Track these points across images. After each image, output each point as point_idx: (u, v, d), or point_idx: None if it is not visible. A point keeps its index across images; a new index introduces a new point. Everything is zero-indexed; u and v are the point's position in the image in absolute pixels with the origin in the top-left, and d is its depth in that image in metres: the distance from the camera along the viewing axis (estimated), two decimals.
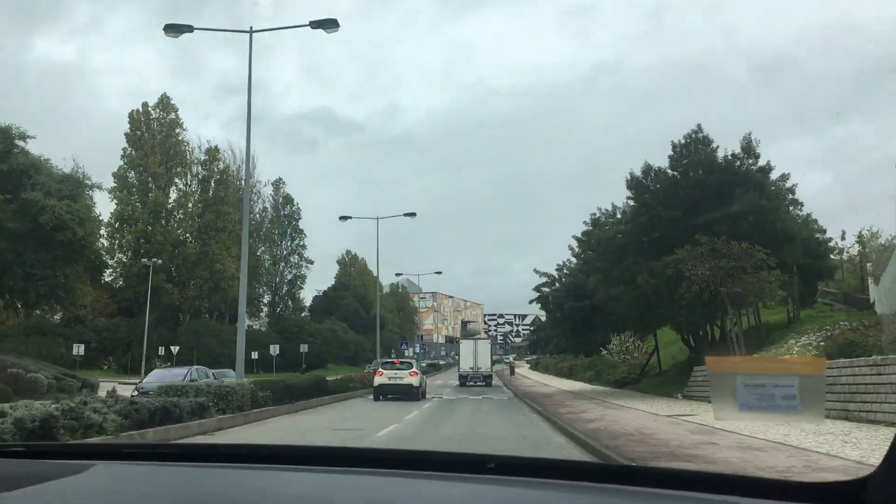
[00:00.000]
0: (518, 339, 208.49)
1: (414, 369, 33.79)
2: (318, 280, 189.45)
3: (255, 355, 58.39)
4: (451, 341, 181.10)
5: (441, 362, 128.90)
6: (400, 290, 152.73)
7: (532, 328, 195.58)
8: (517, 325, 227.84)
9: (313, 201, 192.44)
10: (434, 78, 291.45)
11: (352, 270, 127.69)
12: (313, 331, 75.77)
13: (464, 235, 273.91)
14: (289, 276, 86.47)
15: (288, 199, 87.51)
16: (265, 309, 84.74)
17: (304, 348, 60.93)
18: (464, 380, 49.46)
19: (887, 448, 1.43)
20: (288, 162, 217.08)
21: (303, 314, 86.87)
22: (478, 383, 48.15)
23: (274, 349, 60.72)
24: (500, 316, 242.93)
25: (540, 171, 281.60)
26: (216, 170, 76.33)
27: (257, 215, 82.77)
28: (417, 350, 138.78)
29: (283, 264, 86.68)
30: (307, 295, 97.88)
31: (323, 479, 2.12)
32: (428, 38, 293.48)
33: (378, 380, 33.18)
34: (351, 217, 52.56)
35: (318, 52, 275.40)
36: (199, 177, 75.76)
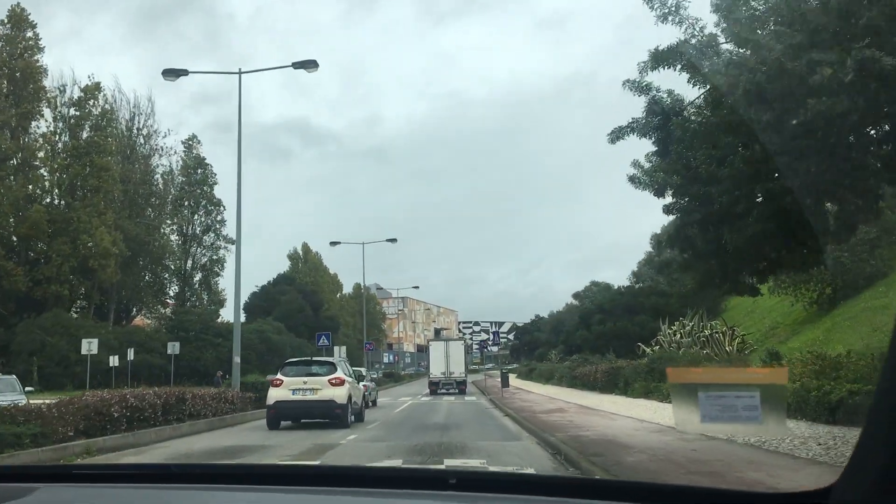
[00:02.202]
0: (495, 349, 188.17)
1: (338, 374, 20.47)
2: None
3: (113, 361, 42.22)
4: (422, 350, 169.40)
5: (406, 371, 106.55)
6: (363, 290, 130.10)
7: (511, 334, 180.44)
8: (494, 332, 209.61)
9: (286, 212, 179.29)
10: (412, 88, 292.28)
11: (303, 266, 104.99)
12: (224, 330, 52.12)
13: (439, 245, 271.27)
14: (203, 260, 62.73)
15: (199, 161, 64.36)
16: (170, 303, 60.88)
17: (173, 348, 37.49)
18: (434, 387, 44.39)
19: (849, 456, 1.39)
20: (261, 172, 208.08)
21: (220, 309, 63.11)
22: (450, 391, 43.28)
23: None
24: (476, 323, 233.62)
25: (516, 182, 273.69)
26: (93, 112, 52.51)
27: (158, 179, 59.24)
28: (390, 359, 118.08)
29: (195, 245, 62.89)
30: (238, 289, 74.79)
31: (278, 498, 2.05)
32: (407, 47, 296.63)
33: (275, 393, 20.11)
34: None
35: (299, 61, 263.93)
36: (69, 119, 52.32)
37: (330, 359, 23.75)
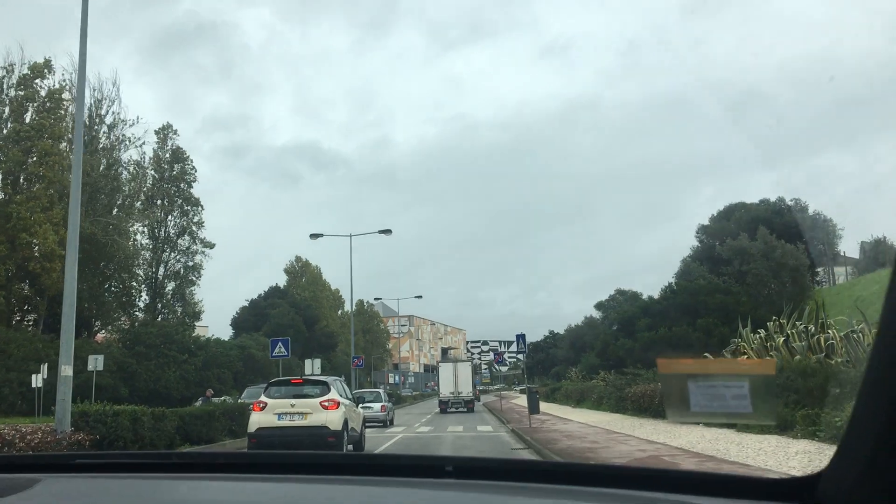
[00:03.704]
0: (504, 368, 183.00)
1: (332, 395, 17.59)
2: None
3: (36, 381, 34.34)
4: (430, 370, 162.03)
5: (409, 392, 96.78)
6: (366, 307, 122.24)
7: (523, 353, 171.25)
8: (503, 352, 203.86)
9: (294, 237, 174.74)
10: (421, 112, 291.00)
11: (302, 281, 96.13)
12: (192, 345, 42.73)
13: (448, 267, 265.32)
14: (177, 266, 53.21)
15: (178, 155, 55.16)
16: (139, 315, 51.47)
17: (95, 364, 28.09)
18: (444, 406, 46.74)
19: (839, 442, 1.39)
20: (271, 197, 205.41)
21: (195, 322, 53.37)
22: (459, 409, 45.79)
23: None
24: (485, 343, 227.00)
25: (523, 203, 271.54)
26: (40, 93, 44.75)
27: (124, 173, 50.41)
28: (395, 380, 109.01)
29: (168, 249, 53.41)
30: (224, 304, 66.19)
31: (279, 487, 2.01)
32: (417, 73, 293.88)
33: (257, 419, 17.25)
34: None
35: (310, 88, 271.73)
36: (12, 98, 43.58)
37: (323, 378, 19.94)
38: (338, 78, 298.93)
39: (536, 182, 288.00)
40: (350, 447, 18.45)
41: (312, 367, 33.03)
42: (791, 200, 51.14)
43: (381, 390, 39.16)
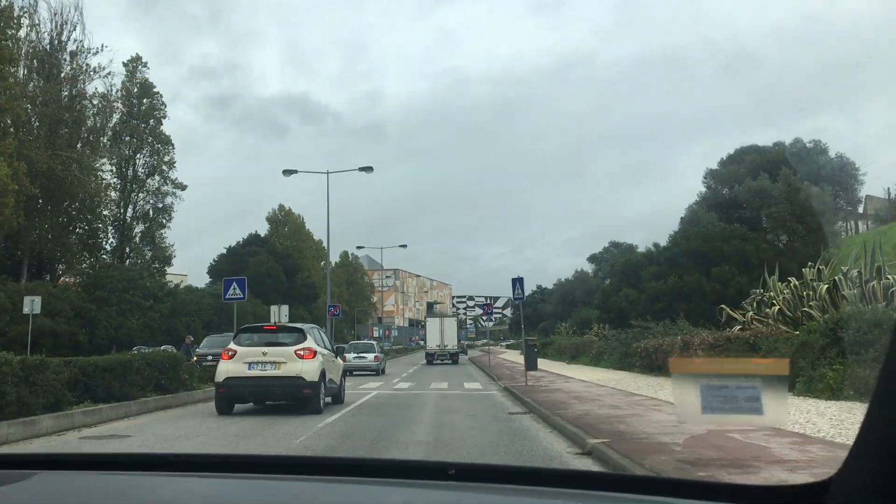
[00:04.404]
0: (490, 324, 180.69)
1: (308, 343, 16.32)
2: None
3: None
4: (415, 324, 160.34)
5: (389, 345, 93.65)
6: (351, 259, 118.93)
7: (507, 309, 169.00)
8: (492, 303, 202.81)
9: (281, 188, 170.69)
10: (413, 66, 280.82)
11: (284, 230, 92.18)
12: (158, 291, 38.88)
13: (436, 223, 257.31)
14: (146, 208, 49.15)
15: (146, 89, 50.63)
16: (106, 258, 47.52)
17: (31, 307, 23.82)
18: (430, 358, 49.30)
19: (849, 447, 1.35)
20: (258, 147, 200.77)
21: (166, 267, 49.44)
22: (444, 361, 48.23)
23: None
24: (470, 298, 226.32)
25: (514, 160, 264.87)
26: None
27: (89, 106, 45.90)
28: (379, 334, 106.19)
29: (136, 189, 49.23)
30: (209, 255, 62.64)
31: (277, 487, 1.98)
32: (409, 25, 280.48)
33: (225, 368, 15.83)
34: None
35: (301, 38, 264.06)
36: None
37: (299, 325, 18.30)
38: (329, 28, 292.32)
39: (527, 138, 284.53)
40: (328, 399, 17.22)
41: (279, 314, 29.41)
42: (810, 142, 47.51)
43: (374, 342, 42.33)
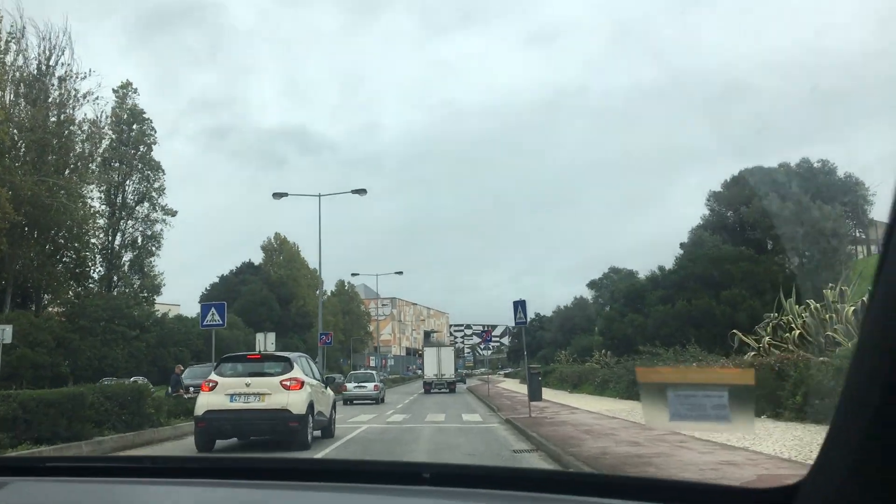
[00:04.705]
0: (488, 352, 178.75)
1: (295, 374, 15.14)
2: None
3: None
4: (412, 353, 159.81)
5: (385, 374, 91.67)
6: (347, 287, 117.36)
7: (505, 338, 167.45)
8: (491, 331, 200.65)
9: (276, 219, 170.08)
10: (410, 96, 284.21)
11: (277, 258, 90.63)
12: (144, 320, 37.27)
13: (432, 252, 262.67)
14: (134, 235, 47.90)
15: (136, 115, 49.43)
16: (93, 286, 46.09)
17: (2, 335, 21.96)
18: (428, 386, 50.20)
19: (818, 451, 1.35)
20: (255, 179, 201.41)
21: (155, 296, 47.87)
22: (442, 390, 48.94)
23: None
24: (468, 326, 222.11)
25: (510, 190, 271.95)
26: None
27: (78, 132, 45.06)
28: (376, 363, 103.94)
29: (125, 216, 47.85)
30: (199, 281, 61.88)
31: (251, 493, 2.00)
32: (407, 57, 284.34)
33: (206, 401, 14.68)
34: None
35: (299, 70, 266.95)
36: None
37: (285, 354, 16.93)
38: (327, 61, 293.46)
39: (523, 168, 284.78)
40: (318, 433, 16.08)
41: (265, 342, 27.83)
42: (817, 162, 46.10)
43: (373, 372, 43.12)
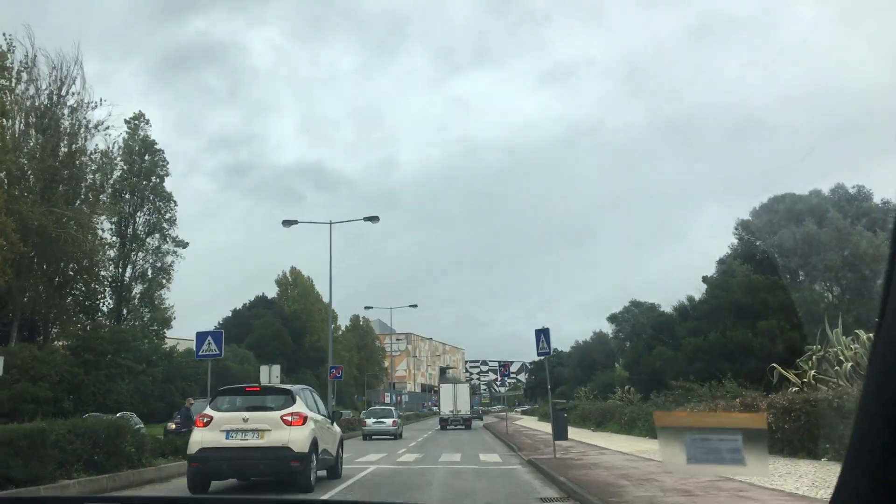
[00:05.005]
0: (503, 389, 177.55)
1: (297, 408, 13.80)
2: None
3: None
4: (427, 390, 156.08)
5: (399, 411, 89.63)
6: (362, 322, 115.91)
7: (522, 374, 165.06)
8: (509, 365, 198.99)
9: (293, 256, 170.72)
10: (426, 134, 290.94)
11: (292, 292, 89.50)
12: (151, 354, 35.94)
13: (448, 288, 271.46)
14: (145, 267, 46.74)
15: (148, 146, 48.68)
16: (103, 319, 44.95)
17: None
18: (444, 423, 50.83)
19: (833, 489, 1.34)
20: (272, 216, 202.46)
21: (165, 330, 46.57)
22: (458, 426, 49.65)
23: None
24: (484, 363, 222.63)
25: (525, 226, 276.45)
26: None
27: (89, 163, 44.34)
28: (393, 398, 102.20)
29: (134, 248, 46.79)
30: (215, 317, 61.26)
31: None
32: (423, 95, 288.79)
33: (200, 437, 13.33)
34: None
35: (317, 108, 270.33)
36: None
37: (286, 386, 15.42)
38: (344, 99, 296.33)
39: (538, 204, 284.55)
40: (323, 473, 14.91)
41: (270, 374, 26.20)
42: (853, 188, 44.04)
43: (392, 408, 44.23)
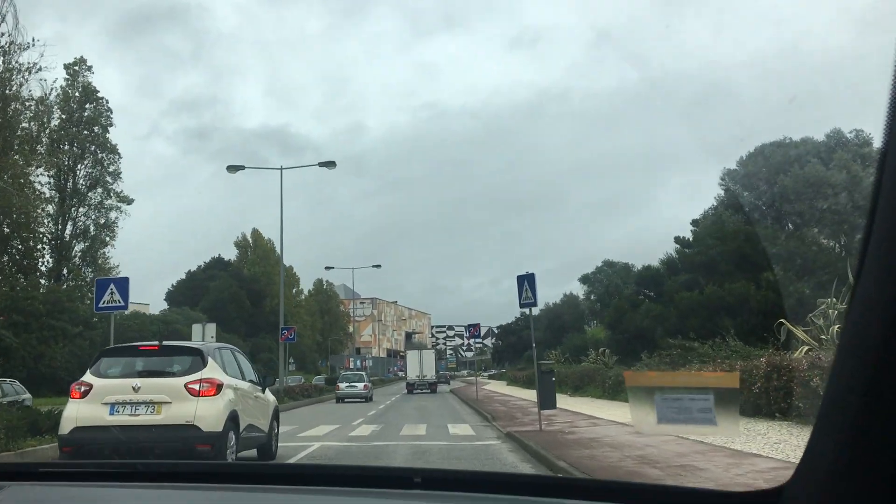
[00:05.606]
0: (469, 354, 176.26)
1: (208, 372, 10.28)
2: None
3: None
4: (393, 355, 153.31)
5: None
6: (325, 287, 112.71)
7: (488, 339, 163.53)
8: (472, 334, 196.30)
9: (257, 220, 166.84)
10: (394, 99, 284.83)
11: (251, 255, 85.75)
12: (89, 316, 32.37)
13: (415, 254, 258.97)
14: (87, 223, 42.84)
15: (90, 93, 44.32)
16: (42, 280, 41.21)
17: None
18: (410, 387, 53.62)
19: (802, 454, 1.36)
20: (236, 179, 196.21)
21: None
22: (423, 390, 51.97)
23: None
24: (450, 328, 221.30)
25: (493, 192, 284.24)
26: None
27: (22, 108, 40.03)
28: (357, 363, 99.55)
29: (75, 203, 42.75)
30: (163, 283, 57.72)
31: (242, 496, 1.96)
32: (391, 60, 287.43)
33: (75, 412, 9.96)
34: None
35: (283, 72, 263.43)
36: None
37: (196, 344, 12.31)
38: (311, 63, 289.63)
39: (506, 171, 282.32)
40: (252, 453, 12.11)
41: (204, 334, 22.68)
42: (850, 132, 41.11)
43: (363, 373, 45.10)
